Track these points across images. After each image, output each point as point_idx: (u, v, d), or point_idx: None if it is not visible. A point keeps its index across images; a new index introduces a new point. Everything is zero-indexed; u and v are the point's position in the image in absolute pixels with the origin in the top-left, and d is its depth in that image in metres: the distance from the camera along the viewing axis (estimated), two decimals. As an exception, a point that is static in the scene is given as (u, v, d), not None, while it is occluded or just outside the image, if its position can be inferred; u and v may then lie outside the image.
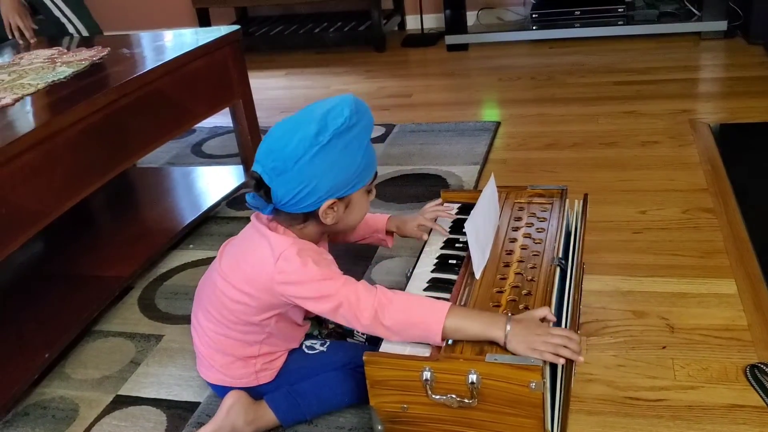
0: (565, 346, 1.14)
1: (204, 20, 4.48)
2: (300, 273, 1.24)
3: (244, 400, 1.37)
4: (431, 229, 1.56)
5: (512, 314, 1.22)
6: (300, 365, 1.42)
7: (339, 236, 1.54)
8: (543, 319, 1.21)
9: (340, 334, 1.52)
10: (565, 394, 1.22)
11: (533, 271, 1.38)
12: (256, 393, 1.41)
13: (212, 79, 2.16)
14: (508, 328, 1.16)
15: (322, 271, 1.25)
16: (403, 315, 1.21)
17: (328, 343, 1.46)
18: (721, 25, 3.49)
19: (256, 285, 1.29)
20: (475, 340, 1.20)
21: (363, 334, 1.50)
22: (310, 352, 1.44)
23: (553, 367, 1.18)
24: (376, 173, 1.33)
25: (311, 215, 1.28)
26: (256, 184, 1.25)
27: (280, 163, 1.22)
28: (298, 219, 1.30)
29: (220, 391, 1.44)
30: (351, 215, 1.33)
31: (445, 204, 1.63)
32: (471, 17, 4.02)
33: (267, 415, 1.37)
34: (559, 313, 1.28)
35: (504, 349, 1.17)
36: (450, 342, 1.21)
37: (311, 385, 1.39)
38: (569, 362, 1.20)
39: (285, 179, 1.22)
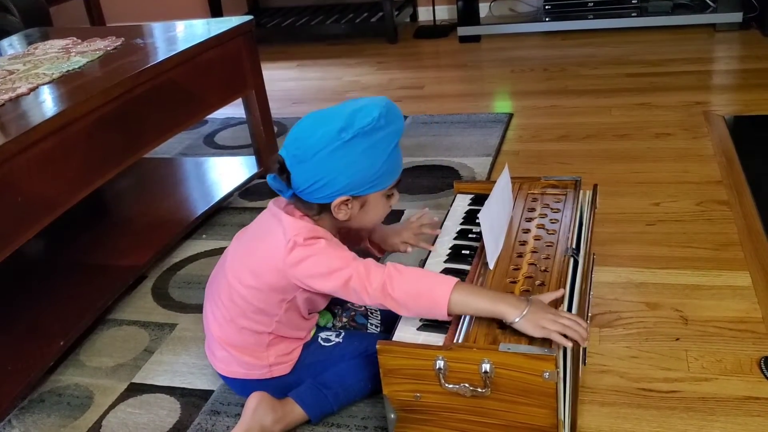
0: (572, 329, 1.15)
1: (216, 11, 4.49)
2: (311, 250, 1.26)
3: (267, 399, 1.36)
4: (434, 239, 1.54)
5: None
6: (318, 359, 1.42)
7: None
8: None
9: (354, 326, 1.52)
10: (573, 384, 1.22)
11: (547, 262, 1.38)
12: (274, 390, 1.40)
13: (225, 69, 2.16)
14: (525, 311, 1.16)
15: (332, 246, 1.28)
16: (410, 286, 1.22)
17: (343, 333, 1.46)
18: (737, 17, 3.46)
19: (267, 267, 1.30)
20: (482, 316, 1.21)
21: (377, 325, 1.51)
22: (327, 344, 1.44)
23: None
24: (400, 180, 1.34)
25: (325, 208, 1.30)
26: (280, 167, 1.28)
27: (302, 151, 1.24)
28: (313, 209, 1.31)
29: (236, 387, 1.45)
30: (366, 215, 1.33)
31: (432, 215, 1.59)
32: (483, 8, 4.00)
33: (294, 411, 1.36)
34: (569, 303, 1.28)
35: (509, 327, 1.18)
36: (463, 332, 1.21)
37: (333, 375, 1.39)
38: (576, 352, 1.20)
39: (304, 168, 1.25)
